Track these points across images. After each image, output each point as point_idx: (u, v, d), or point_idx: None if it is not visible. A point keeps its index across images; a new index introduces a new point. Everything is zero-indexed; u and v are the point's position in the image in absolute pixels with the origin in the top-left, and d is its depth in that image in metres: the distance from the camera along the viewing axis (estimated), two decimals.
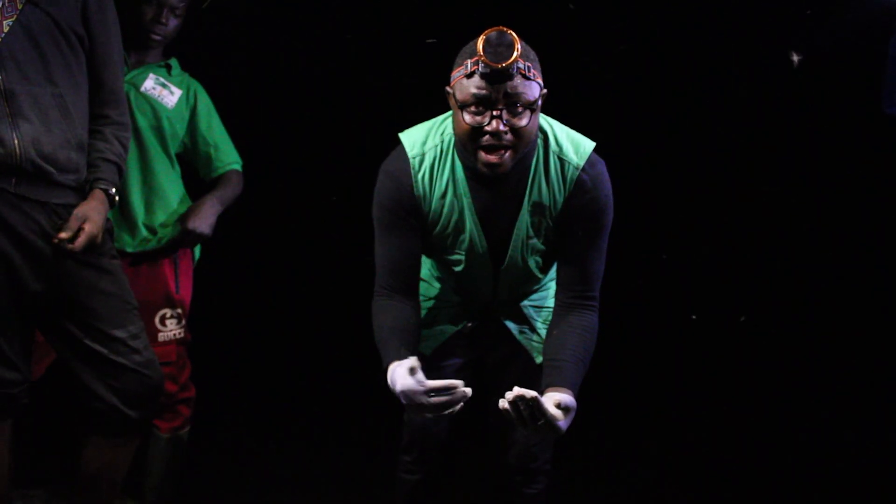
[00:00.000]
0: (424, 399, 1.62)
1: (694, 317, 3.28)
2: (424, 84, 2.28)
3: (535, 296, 2.02)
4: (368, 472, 2.89)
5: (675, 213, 3.39)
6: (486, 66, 1.58)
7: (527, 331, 2.02)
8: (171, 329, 2.42)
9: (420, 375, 1.64)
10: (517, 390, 1.54)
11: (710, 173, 3.33)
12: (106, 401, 1.93)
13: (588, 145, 1.79)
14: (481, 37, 1.60)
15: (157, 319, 2.40)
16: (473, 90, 1.61)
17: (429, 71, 2.19)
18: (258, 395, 3.44)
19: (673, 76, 3.22)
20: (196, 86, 2.51)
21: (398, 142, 1.83)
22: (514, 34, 1.60)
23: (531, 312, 2.02)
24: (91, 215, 1.86)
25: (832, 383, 3.20)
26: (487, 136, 1.63)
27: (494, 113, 1.61)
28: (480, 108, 1.62)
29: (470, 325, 2.02)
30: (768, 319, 3.40)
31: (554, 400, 1.62)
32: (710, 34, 3.12)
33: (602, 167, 1.79)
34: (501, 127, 1.61)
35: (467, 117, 1.63)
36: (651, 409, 3.40)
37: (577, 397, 1.69)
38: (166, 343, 2.40)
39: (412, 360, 1.66)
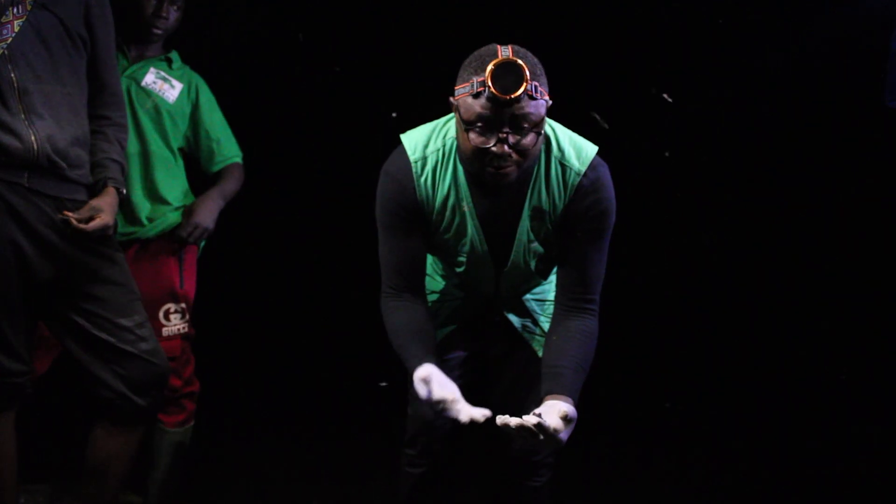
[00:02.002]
0: (437, 406, 1.65)
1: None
2: (427, 83, 2.27)
3: (537, 289, 2.02)
4: (372, 465, 2.89)
5: (678, 216, 3.39)
6: (494, 95, 1.57)
7: (529, 324, 2.02)
8: (175, 324, 2.43)
9: (436, 380, 1.66)
10: (516, 421, 1.53)
11: (712, 172, 3.33)
12: (114, 389, 1.96)
13: (591, 150, 1.78)
14: (489, 66, 1.58)
15: (160, 314, 2.41)
16: (479, 111, 1.60)
17: (431, 68, 2.18)
18: (262, 389, 3.44)
19: (673, 74, 3.22)
20: (197, 79, 2.51)
21: (398, 140, 1.82)
22: (521, 62, 1.58)
23: (534, 306, 2.02)
24: (105, 208, 1.92)
25: (832, 383, 3.20)
26: (493, 157, 1.62)
27: (500, 135, 1.60)
28: (486, 130, 1.61)
29: (471, 320, 2.02)
30: (768, 318, 3.40)
31: (560, 412, 1.61)
32: (710, 31, 3.11)
33: (604, 171, 1.78)
34: (507, 149, 1.61)
35: (473, 137, 1.62)
36: (653, 404, 3.41)
37: (577, 404, 1.68)
38: (170, 338, 2.40)
39: (424, 371, 1.67)
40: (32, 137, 1.81)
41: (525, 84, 1.56)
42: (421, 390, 1.67)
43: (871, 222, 3.17)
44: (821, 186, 3.24)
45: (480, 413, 1.61)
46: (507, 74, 1.57)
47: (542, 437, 1.56)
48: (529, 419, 1.53)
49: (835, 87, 3.08)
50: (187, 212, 2.44)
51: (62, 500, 2.58)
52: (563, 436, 1.61)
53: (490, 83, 1.56)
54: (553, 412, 1.61)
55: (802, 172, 3.25)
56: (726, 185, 3.34)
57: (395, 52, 3.18)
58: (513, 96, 1.56)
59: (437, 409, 1.65)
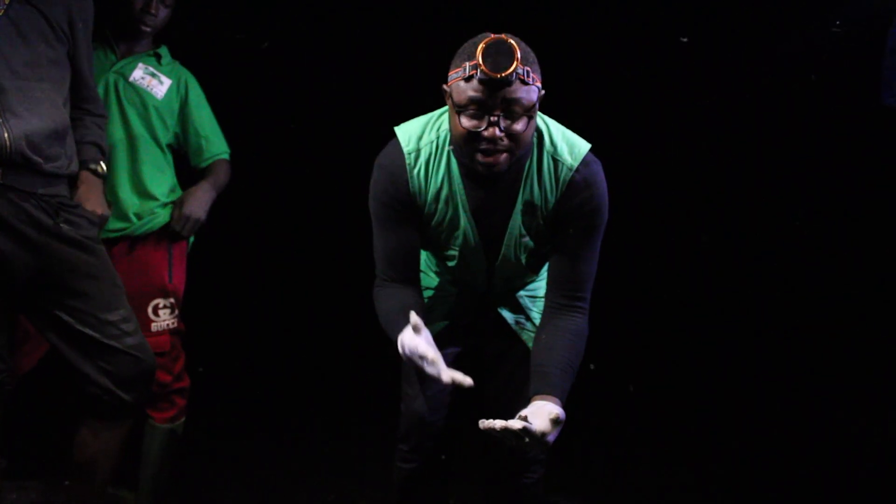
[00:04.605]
0: (419, 361, 1.60)
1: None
2: (421, 75, 2.27)
3: (531, 285, 2.02)
4: (366, 460, 2.89)
5: (673, 214, 3.39)
6: (485, 74, 1.56)
7: (522, 320, 2.01)
8: (164, 319, 2.41)
9: (424, 336, 1.61)
10: (501, 424, 1.52)
11: (709, 171, 3.33)
12: (100, 384, 1.94)
13: (583, 146, 1.77)
14: (480, 44, 1.58)
15: (149, 309, 2.39)
16: (471, 94, 1.59)
17: (425, 62, 2.17)
18: (253, 384, 3.44)
19: (671, 74, 3.22)
20: (187, 75, 2.50)
21: (392, 132, 1.81)
22: (513, 41, 1.58)
23: (527, 302, 2.02)
24: (90, 198, 1.94)
25: (832, 384, 3.19)
26: (484, 142, 1.62)
27: (492, 119, 1.59)
28: (478, 113, 1.60)
29: (465, 316, 2.01)
30: (765, 319, 3.40)
31: (549, 414, 1.60)
32: (708, 31, 3.11)
33: (597, 168, 1.77)
34: (498, 133, 1.60)
35: (464, 121, 1.62)
36: (646, 400, 3.41)
37: (564, 404, 1.68)
38: (159, 333, 2.39)
39: (414, 318, 1.62)
40: (6, 135, 1.79)
41: (516, 63, 1.56)
42: (408, 342, 1.61)
43: (869, 221, 3.17)
44: (818, 185, 3.23)
45: (463, 377, 1.58)
46: (498, 53, 1.56)
47: (527, 439, 1.55)
48: (514, 424, 1.52)
49: (832, 85, 3.07)
50: (178, 203, 2.43)
51: (54, 496, 2.57)
52: (551, 438, 1.60)
53: (481, 61, 1.56)
54: (541, 414, 1.60)
55: (799, 171, 3.25)
56: (723, 184, 3.34)
57: (389, 46, 3.18)
58: (503, 75, 1.55)
59: (421, 364, 1.60)
